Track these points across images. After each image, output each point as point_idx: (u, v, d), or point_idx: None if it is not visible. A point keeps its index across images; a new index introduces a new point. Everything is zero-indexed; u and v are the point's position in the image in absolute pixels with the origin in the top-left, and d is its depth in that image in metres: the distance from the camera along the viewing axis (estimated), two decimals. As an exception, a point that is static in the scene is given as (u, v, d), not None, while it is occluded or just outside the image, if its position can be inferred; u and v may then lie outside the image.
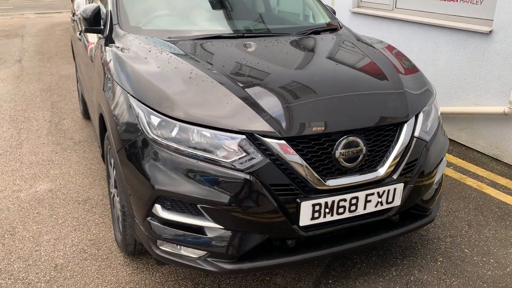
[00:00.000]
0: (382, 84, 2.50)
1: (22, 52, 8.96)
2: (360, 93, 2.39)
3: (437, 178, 2.54)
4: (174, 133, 2.10)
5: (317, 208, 2.10)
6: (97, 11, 3.00)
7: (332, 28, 3.35)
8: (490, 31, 4.07)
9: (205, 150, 2.06)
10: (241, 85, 2.26)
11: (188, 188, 2.05)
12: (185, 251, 2.18)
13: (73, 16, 4.74)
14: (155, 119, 2.15)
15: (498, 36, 4.02)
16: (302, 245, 2.22)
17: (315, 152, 2.10)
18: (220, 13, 3.29)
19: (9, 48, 9.36)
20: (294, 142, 2.07)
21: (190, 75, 2.31)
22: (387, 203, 2.26)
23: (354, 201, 2.18)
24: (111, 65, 2.59)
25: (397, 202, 2.29)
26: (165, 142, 2.10)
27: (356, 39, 3.14)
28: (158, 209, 2.12)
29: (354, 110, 2.27)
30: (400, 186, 2.26)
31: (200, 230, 2.11)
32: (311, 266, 2.66)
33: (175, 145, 2.08)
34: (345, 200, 2.15)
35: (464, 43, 4.34)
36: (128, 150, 2.23)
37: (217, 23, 3.16)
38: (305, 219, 2.10)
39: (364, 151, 2.17)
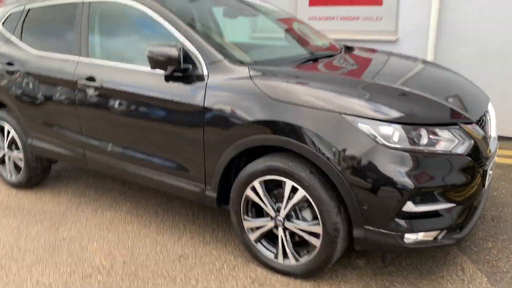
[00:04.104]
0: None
1: None
2: None
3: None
4: (404, 137, 2.41)
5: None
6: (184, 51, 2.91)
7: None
8: (397, 39, 5.35)
9: (431, 145, 2.45)
10: (414, 88, 2.72)
11: (432, 180, 2.42)
12: (422, 237, 2.49)
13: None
14: (386, 129, 2.41)
15: (403, 42, 5.34)
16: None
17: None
18: (289, 39, 3.60)
19: None
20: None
21: (370, 85, 2.67)
22: None
23: None
24: (279, 92, 2.64)
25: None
26: (400, 146, 2.40)
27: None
28: (410, 205, 2.40)
29: None
30: None
31: (436, 213, 2.48)
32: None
33: (410, 147, 2.40)
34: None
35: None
36: (360, 164, 2.41)
37: (295, 47, 3.45)
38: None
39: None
